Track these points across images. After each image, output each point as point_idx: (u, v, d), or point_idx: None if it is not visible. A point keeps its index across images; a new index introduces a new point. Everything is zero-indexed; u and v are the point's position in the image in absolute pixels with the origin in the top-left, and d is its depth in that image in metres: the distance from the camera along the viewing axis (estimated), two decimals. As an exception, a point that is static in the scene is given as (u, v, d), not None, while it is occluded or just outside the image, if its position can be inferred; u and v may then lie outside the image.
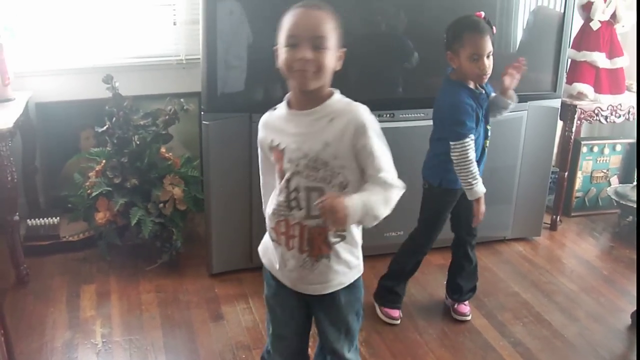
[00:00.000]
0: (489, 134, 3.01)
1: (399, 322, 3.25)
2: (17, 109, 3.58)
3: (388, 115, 3.48)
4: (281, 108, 2.04)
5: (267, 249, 2.17)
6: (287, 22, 1.91)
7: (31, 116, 3.95)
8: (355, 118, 1.94)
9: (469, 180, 2.84)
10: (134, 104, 3.69)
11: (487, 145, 3.03)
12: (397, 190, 1.96)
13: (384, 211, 1.94)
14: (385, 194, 1.94)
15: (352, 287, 2.15)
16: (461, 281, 3.29)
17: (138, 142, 3.65)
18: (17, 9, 3.80)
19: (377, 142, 1.96)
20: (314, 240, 2.02)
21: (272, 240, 2.10)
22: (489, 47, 2.79)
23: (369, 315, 3.26)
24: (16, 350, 2.85)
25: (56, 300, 3.41)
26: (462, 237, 3.25)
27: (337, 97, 1.99)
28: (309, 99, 1.96)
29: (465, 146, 2.81)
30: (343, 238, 2.05)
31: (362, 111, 1.95)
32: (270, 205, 2.08)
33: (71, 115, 4.06)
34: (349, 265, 2.10)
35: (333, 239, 2.03)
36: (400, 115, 3.50)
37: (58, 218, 3.97)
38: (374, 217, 1.92)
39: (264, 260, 2.20)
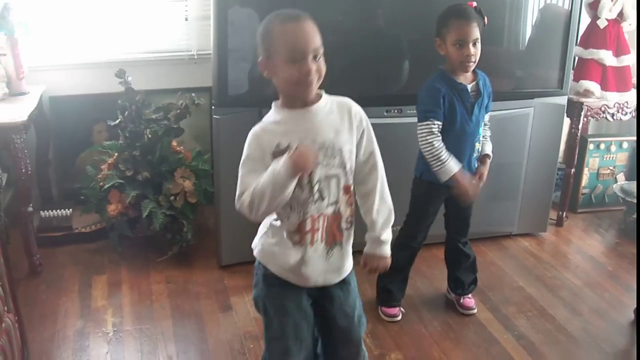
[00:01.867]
0: (481, 137, 3.05)
1: (399, 318, 3.28)
2: (32, 102, 3.64)
3: (396, 111, 3.53)
4: (274, 114, 2.08)
5: (274, 254, 2.16)
6: (283, 38, 1.96)
7: (45, 110, 4.01)
8: (353, 106, 2.13)
9: (432, 163, 2.89)
10: (146, 98, 3.74)
11: (478, 148, 3.06)
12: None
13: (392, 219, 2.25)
14: (382, 199, 2.20)
15: (353, 270, 2.28)
16: (461, 275, 3.33)
17: (150, 136, 3.70)
18: (31, 4, 3.85)
19: (371, 128, 2.16)
20: (330, 227, 2.11)
21: (295, 244, 2.10)
22: (474, 34, 2.82)
23: (374, 307, 3.32)
24: (29, 338, 2.92)
25: (68, 290, 3.47)
26: (452, 236, 3.31)
27: (325, 94, 2.10)
28: (306, 101, 2.05)
29: (425, 129, 2.88)
30: (352, 225, 2.17)
31: (353, 102, 2.14)
32: (285, 209, 2.07)
33: (84, 108, 4.11)
34: (351, 250, 2.22)
35: (345, 225, 2.14)
36: (409, 112, 3.53)
37: (71, 210, 4.03)
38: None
39: (273, 269, 2.17)
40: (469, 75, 2.96)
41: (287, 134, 2.02)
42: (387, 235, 2.23)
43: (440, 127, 2.90)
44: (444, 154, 2.87)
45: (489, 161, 3.08)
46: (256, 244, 2.24)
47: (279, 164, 1.94)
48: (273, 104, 2.10)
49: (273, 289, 2.19)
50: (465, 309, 3.34)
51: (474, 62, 2.87)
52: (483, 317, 3.31)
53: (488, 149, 3.09)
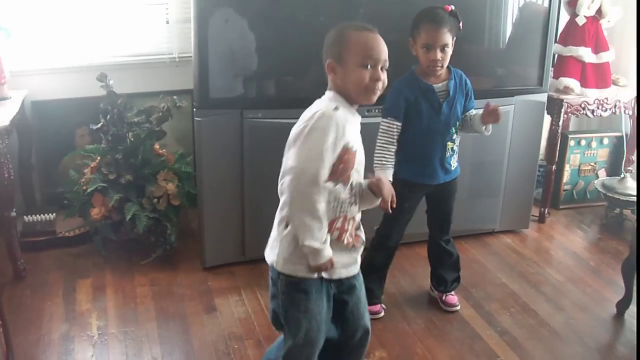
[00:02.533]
0: (454, 137, 3.07)
1: (382, 314, 3.29)
2: (14, 107, 3.63)
3: (377, 111, 3.53)
4: (345, 108, 2.15)
5: (300, 257, 2.16)
6: (361, 43, 2.10)
7: (27, 114, 4.00)
8: None
9: (376, 160, 2.95)
10: (128, 101, 3.74)
11: (452, 147, 3.08)
12: None
13: None
14: None
15: None
16: (444, 273, 3.35)
17: (132, 139, 3.71)
18: (12, 9, 3.84)
19: None
20: (355, 231, 2.28)
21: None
22: (443, 40, 2.85)
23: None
24: (14, 343, 2.92)
25: (53, 294, 3.47)
26: (434, 234, 3.33)
27: None
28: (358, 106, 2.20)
29: (384, 126, 2.98)
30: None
31: None
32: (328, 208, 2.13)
33: (66, 113, 4.11)
34: None
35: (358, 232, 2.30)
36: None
37: (54, 214, 4.02)
38: None
39: (301, 272, 2.18)
40: (442, 74, 2.99)
41: (351, 133, 2.14)
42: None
43: (399, 127, 2.98)
44: (386, 161, 2.97)
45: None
46: (276, 259, 2.22)
47: (319, 254, 2.10)
48: (332, 94, 2.16)
49: (298, 295, 2.21)
50: (448, 306, 3.36)
51: (441, 67, 2.91)
52: (466, 314, 3.34)
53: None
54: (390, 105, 2.98)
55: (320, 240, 2.08)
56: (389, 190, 2.23)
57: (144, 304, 3.39)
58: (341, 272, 2.24)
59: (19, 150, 4.02)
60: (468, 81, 3.06)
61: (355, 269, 2.31)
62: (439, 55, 2.87)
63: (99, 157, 3.73)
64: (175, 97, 3.74)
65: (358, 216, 2.28)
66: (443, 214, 3.25)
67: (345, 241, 2.20)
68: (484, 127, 3.04)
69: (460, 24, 2.93)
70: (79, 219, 3.86)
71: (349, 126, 2.11)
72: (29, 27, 3.93)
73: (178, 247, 3.80)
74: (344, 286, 2.29)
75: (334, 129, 2.05)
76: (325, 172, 2.06)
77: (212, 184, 3.48)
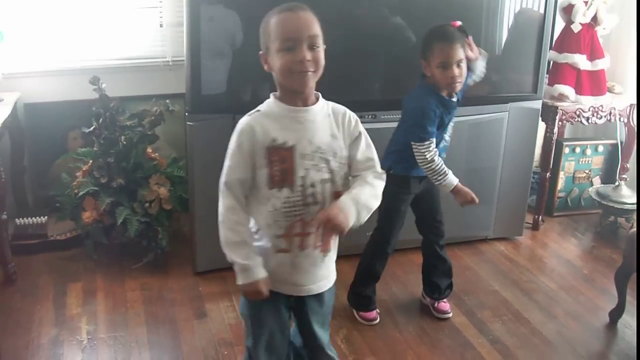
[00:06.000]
0: (447, 137, 3.09)
1: (377, 321, 3.29)
2: (5, 109, 3.62)
3: (370, 117, 3.53)
4: (271, 106, 2.05)
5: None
6: (277, 27, 1.95)
7: (20, 117, 3.98)
8: (347, 112, 2.12)
9: (435, 177, 2.94)
10: (121, 104, 3.73)
11: (445, 145, 3.10)
12: (384, 179, 2.14)
13: (376, 203, 2.09)
14: (374, 186, 2.10)
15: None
16: (437, 279, 3.34)
17: (124, 143, 3.69)
18: (5, 11, 3.83)
19: (366, 134, 2.14)
20: (325, 233, 2.06)
21: (278, 251, 2.07)
22: (458, 55, 2.84)
23: (349, 312, 3.32)
24: (2, 347, 2.92)
25: (43, 297, 3.45)
26: (428, 238, 3.31)
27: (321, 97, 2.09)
28: (304, 98, 2.03)
29: (424, 148, 2.91)
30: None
31: (347, 109, 2.14)
32: (272, 213, 2.03)
33: (59, 115, 4.09)
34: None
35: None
36: (382, 117, 3.54)
37: (46, 217, 4.00)
38: (368, 211, 2.06)
39: None
40: None
41: (284, 130, 2.00)
42: (357, 210, 2.02)
43: None
44: (444, 168, 2.94)
45: None
46: None
47: (242, 266, 2.01)
48: (271, 96, 2.07)
49: (250, 301, 2.15)
50: (440, 313, 3.35)
51: (460, 82, 2.89)
52: (458, 322, 3.32)
53: None
54: (428, 127, 2.91)
55: (242, 256, 2.01)
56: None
57: (134, 308, 3.37)
58: (311, 288, 2.16)
59: (11, 153, 4.00)
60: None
61: (327, 284, 2.20)
62: (456, 71, 2.85)
63: (90, 161, 3.72)
64: (168, 100, 3.73)
65: None
66: (433, 214, 3.24)
67: (313, 245, 2.08)
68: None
69: (470, 38, 2.93)
70: (71, 222, 3.84)
71: (276, 123, 2.00)
72: (23, 29, 3.91)
73: (169, 251, 3.79)
74: (302, 300, 2.19)
75: (242, 134, 2.00)
76: (234, 176, 2.01)
77: (205, 189, 3.46)
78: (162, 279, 3.64)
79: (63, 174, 3.89)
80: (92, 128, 3.68)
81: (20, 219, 3.98)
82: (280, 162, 2.00)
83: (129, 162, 3.69)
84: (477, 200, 2.98)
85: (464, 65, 2.87)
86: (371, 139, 2.16)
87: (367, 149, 2.13)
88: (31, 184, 4.21)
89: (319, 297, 2.20)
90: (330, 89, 2.16)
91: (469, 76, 3.01)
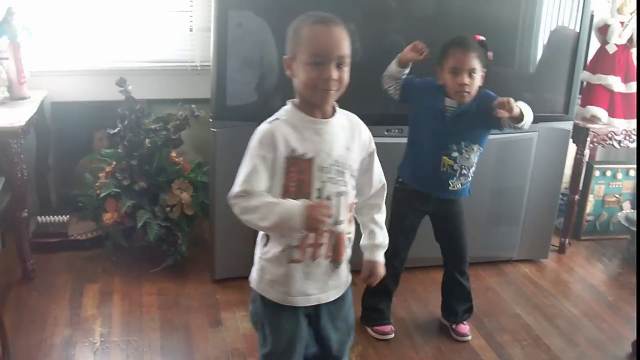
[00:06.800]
0: (455, 156, 2.96)
1: (392, 335, 3.24)
2: (32, 107, 3.62)
3: (397, 131, 3.48)
4: (290, 115, 2.02)
5: (273, 281, 2.10)
6: (308, 39, 1.94)
7: (46, 115, 4.00)
8: (364, 127, 2.13)
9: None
10: (147, 107, 3.74)
11: (451, 165, 2.97)
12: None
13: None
14: (384, 210, 2.21)
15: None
16: (454, 304, 3.28)
17: (149, 146, 3.68)
18: (35, 9, 3.85)
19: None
20: (339, 245, 2.07)
21: (291, 262, 2.05)
22: (471, 64, 2.80)
23: (363, 329, 3.27)
24: (15, 345, 2.91)
25: (59, 297, 3.44)
26: (447, 263, 3.26)
27: (338, 107, 2.07)
28: (323, 110, 2.02)
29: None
30: (351, 242, 2.14)
31: (361, 121, 2.15)
32: None
33: (86, 115, 4.10)
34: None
35: (347, 243, 2.11)
36: (395, 131, 3.52)
37: (68, 216, 4.01)
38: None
39: (271, 296, 2.11)
40: None
41: (303, 141, 1.98)
42: (386, 241, 2.23)
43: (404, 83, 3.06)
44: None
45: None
46: (253, 278, 2.18)
47: (294, 210, 1.90)
48: (289, 103, 2.05)
49: (270, 307, 2.14)
50: (459, 335, 3.28)
51: (469, 92, 2.84)
52: (476, 344, 3.25)
53: None
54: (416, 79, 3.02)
55: (286, 205, 1.94)
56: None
57: (150, 313, 3.35)
58: (320, 297, 2.12)
59: (36, 151, 4.01)
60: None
61: (337, 293, 2.17)
62: (466, 79, 2.80)
63: (114, 162, 3.71)
64: (193, 105, 3.72)
65: (342, 228, 2.07)
66: (451, 239, 3.17)
67: (325, 255, 2.06)
68: (502, 121, 2.88)
69: (490, 54, 2.88)
70: (92, 222, 3.85)
71: (297, 134, 1.98)
72: (52, 28, 3.94)
73: (189, 257, 3.77)
74: (320, 308, 2.16)
75: (264, 145, 1.97)
76: (256, 187, 1.96)
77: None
78: (179, 285, 3.62)
79: (86, 174, 3.89)
80: (117, 129, 3.67)
81: (43, 217, 3.98)
82: (297, 173, 1.99)
83: (152, 165, 3.68)
84: None
85: (476, 76, 2.83)
86: (384, 153, 2.18)
87: (380, 170, 2.19)
88: (55, 183, 4.22)
89: (334, 305, 2.18)
90: (346, 102, 2.13)
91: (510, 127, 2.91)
